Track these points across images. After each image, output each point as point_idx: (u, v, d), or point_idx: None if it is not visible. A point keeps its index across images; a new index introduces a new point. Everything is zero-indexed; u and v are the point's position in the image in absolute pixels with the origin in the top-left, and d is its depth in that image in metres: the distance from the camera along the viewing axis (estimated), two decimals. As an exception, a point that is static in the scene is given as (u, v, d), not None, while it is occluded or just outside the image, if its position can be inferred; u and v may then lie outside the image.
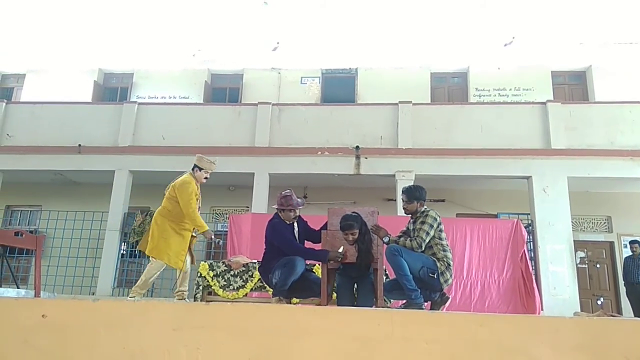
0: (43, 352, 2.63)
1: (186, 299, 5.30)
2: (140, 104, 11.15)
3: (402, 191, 4.54)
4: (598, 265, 10.72)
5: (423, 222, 4.22)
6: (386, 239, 4.17)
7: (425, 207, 4.37)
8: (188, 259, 5.26)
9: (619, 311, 9.89)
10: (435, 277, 4.11)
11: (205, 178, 5.29)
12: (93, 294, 9.49)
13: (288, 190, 4.57)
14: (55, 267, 9.76)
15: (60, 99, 11.88)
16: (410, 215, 4.44)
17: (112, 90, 13.64)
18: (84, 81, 13.22)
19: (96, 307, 2.75)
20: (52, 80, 13.29)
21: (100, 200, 10.29)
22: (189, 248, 5.26)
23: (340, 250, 4.18)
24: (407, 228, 4.44)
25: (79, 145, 10.33)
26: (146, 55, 12.82)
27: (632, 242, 8.78)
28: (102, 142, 10.48)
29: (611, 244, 10.76)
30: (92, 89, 13.15)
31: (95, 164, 10.32)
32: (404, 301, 4.31)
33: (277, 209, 4.54)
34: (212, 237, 5.16)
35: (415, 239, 4.16)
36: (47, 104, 11.30)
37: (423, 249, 4.15)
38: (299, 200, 4.54)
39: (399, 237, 4.28)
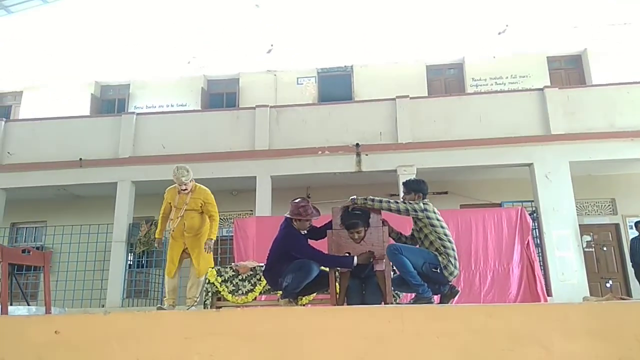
0: (58, 368, 2.65)
1: (194, 307, 5.34)
2: (138, 114, 11.17)
3: (402, 184, 4.62)
4: (605, 248, 10.70)
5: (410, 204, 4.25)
6: (353, 200, 4.27)
7: (425, 200, 4.35)
8: (192, 269, 5.38)
9: (629, 293, 9.88)
10: (439, 271, 4.10)
11: (184, 189, 5.31)
12: (103, 306, 9.52)
13: (301, 199, 4.45)
14: (63, 282, 9.79)
15: (58, 114, 11.91)
16: None
17: (110, 102, 13.66)
18: (81, 95, 13.24)
19: (108, 320, 2.77)
20: (49, 95, 13.31)
21: (105, 212, 10.32)
22: (189, 255, 5.35)
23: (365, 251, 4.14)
24: (412, 229, 4.43)
25: (80, 159, 10.35)
26: (142, 65, 12.86)
27: (637, 223, 8.76)
28: (103, 154, 10.50)
29: (616, 225, 10.75)
30: (89, 102, 13.17)
31: (97, 177, 10.34)
32: (414, 295, 4.32)
33: (293, 218, 4.39)
34: (157, 245, 5.75)
35: (387, 201, 4.22)
36: (46, 119, 11.35)
37: (387, 206, 4.18)
38: (314, 211, 4.44)
39: (367, 197, 4.28)
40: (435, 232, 4.20)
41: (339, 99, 11.98)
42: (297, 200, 4.45)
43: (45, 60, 12.63)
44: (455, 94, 11.83)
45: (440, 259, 4.12)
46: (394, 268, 4.77)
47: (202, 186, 5.51)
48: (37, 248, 10.11)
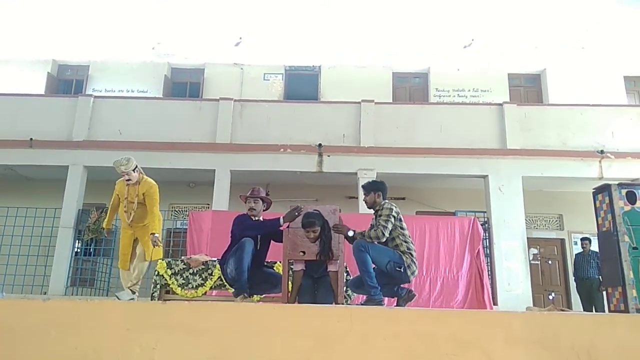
0: (-12, 354, 2.52)
1: (133, 297, 5.20)
2: (96, 97, 10.78)
3: (362, 187, 4.69)
4: (550, 262, 11.12)
5: (380, 215, 4.31)
6: (351, 233, 4.21)
7: (385, 201, 4.45)
8: (139, 251, 5.30)
9: (569, 306, 10.30)
10: (402, 270, 4.19)
11: (127, 180, 5.24)
12: (45, 293, 9.14)
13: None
14: (4, 266, 9.34)
15: (11, 91, 11.35)
16: (371, 209, 4.51)
17: (67, 83, 13.16)
18: (37, 73, 12.70)
19: (46, 307, 2.66)
20: (3, 71, 12.70)
21: (54, 196, 9.92)
22: (141, 243, 5.27)
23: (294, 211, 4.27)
24: (371, 225, 4.49)
25: (31, 139, 9.91)
26: (103, 46, 12.41)
27: (583, 239, 9.14)
28: (56, 136, 10.09)
29: (562, 241, 11.19)
30: (45, 81, 12.66)
31: (48, 159, 9.94)
32: (365, 297, 4.37)
33: (245, 198, 4.66)
34: (106, 235, 5.75)
35: (377, 229, 4.21)
36: (-3, 95, 10.81)
37: (384, 239, 4.21)
38: (265, 195, 4.70)
39: (363, 231, 4.31)
40: (403, 234, 4.29)
41: (305, 98, 11.98)
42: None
43: (0, 33, 12.03)
44: (419, 102, 12.04)
45: (404, 258, 4.20)
46: (347, 270, 4.84)
47: (149, 179, 5.39)
48: (-22, 229, 9.63)
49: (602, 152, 9.82)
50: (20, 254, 9.47)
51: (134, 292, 5.24)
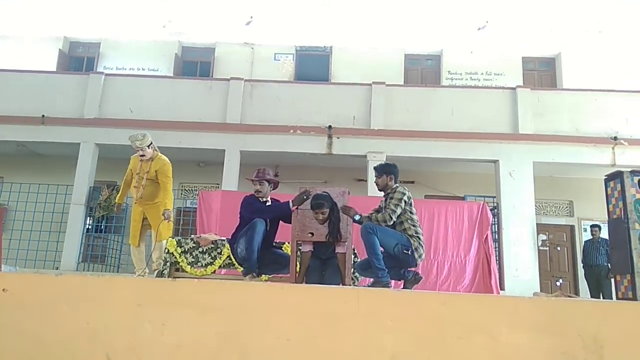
0: (3, 326, 2.58)
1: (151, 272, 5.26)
2: (107, 74, 10.82)
3: (374, 168, 4.69)
4: (558, 248, 11.08)
5: (391, 198, 4.33)
6: (357, 217, 4.22)
7: (397, 185, 4.44)
8: (152, 233, 5.30)
9: (577, 292, 10.29)
10: (410, 253, 4.21)
11: (141, 155, 5.25)
12: (57, 268, 9.30)
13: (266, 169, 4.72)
14: (17, 241, 9.49)
15: (22, 68, 11.40)
16: (382, 191, 4.52)
17: (78, 60, 13.17)
18: (49, 49, 12.72)
19: (59, 282, 2.71)
20: (15, 47, 12.72)
21: (65, 173, 10.02)
22: (150, 222, 5.30)
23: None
24: (380, 206, 4.50)
25: (43, 115, 9.98)
26: (114, 24, 12.38)
27: (592, 226, 9.07)
28: (67, 113, 10.15)
29: (572, 227, 11.12)
30: (56, 58, 12.68)
31: (60, 136, 10.02)
32: (372, 280, 4.39)
33: (252, 180, 4.65)
34: (115, 210, 5.93)
35: (384, 212, 4.23)
36: (9, 72, 10.84)
37: (391, 222, 4.23)
38: (271, 176, 4.66)
39: (370, 214, 4.33)
40: (412, 219, 4.30)
41: (316, 79, 11.89)
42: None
43: (12, 10, 12.02)
44: (431, 85, 11.91)
45: (412, 241, 4.23)
46: (355, 252, 4.87)
47: (163, 156, 5.41)
48: (-9, 204, 9.77)
49: (615, 138, 9.69)
50: (33, 229, 9.62)
51: (156, 269, 5.28)
